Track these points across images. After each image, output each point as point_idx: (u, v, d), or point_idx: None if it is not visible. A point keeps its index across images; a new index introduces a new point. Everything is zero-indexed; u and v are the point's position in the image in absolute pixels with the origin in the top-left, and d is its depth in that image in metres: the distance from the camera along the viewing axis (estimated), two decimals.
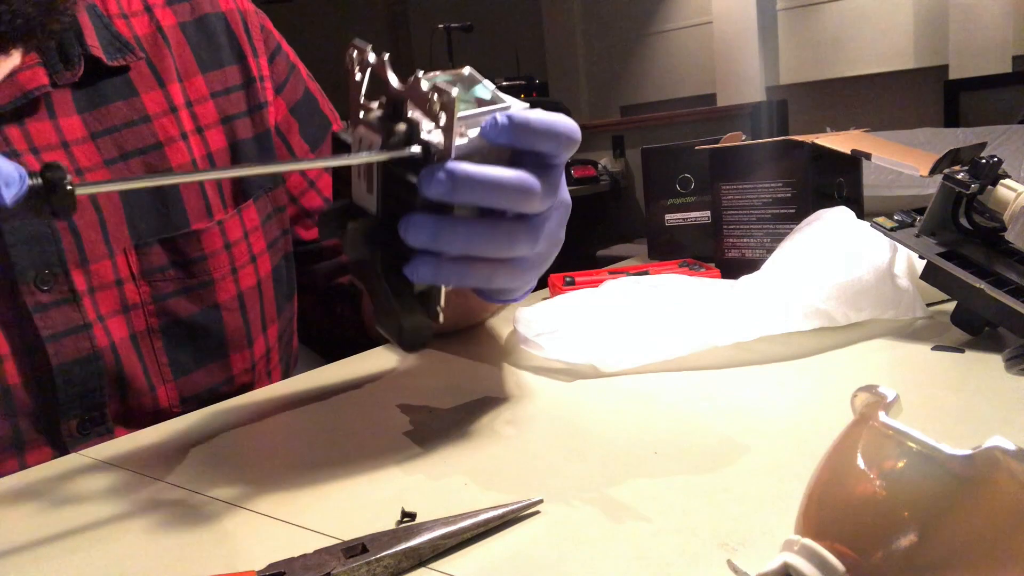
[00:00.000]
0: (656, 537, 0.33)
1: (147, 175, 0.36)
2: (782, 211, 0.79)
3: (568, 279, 0.77)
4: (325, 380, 0.60)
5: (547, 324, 0.59)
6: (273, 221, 0.68)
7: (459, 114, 0.41)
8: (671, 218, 0.97)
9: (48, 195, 0.32)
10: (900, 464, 0.25)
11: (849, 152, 0.75)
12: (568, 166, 3.53)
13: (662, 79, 4.08)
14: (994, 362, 0.49)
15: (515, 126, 0.41)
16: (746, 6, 3.60)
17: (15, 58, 0.55)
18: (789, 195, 0.78)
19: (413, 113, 0.42)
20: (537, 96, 3.44)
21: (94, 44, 0.58)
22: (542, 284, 0.83)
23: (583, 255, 3.35)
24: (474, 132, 0.42)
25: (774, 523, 0.33)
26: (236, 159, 0.65)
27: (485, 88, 0.46)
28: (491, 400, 0.52)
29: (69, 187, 0.32)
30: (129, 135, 0.59)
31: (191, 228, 0.61)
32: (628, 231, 3.66)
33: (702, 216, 0.95)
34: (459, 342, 0.66)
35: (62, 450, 0.55)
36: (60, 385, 0.54)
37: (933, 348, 0.55)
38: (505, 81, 3.41)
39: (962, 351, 0.53)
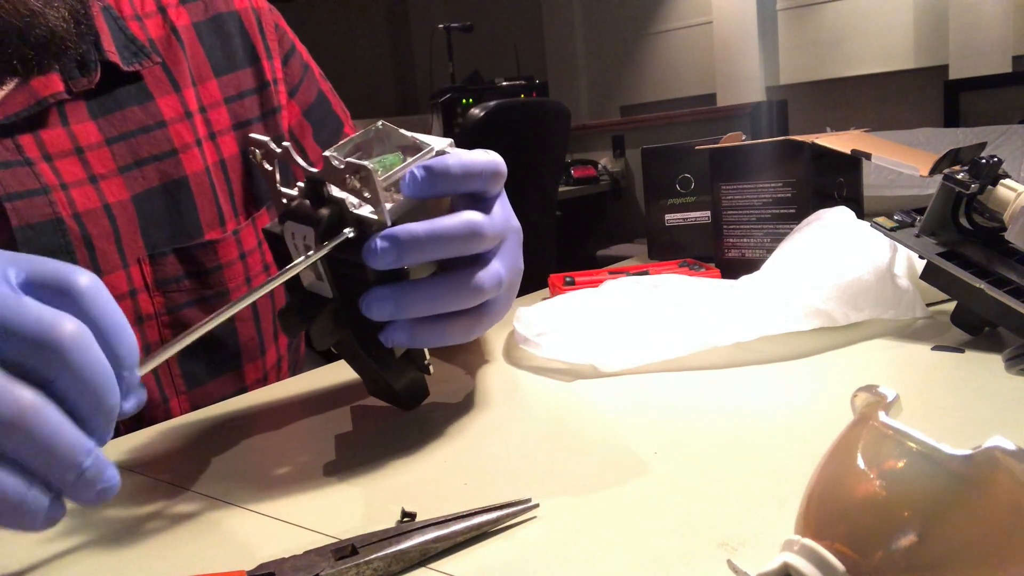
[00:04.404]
0: (656, 537, 0.33)
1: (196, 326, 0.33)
2: (782, 211, 0.79)
3: (568, 279, 0.77)
4: (324, 380, 0.60)
5: (547, 324, 0.59)
6: None
7: (380, 179, 0.40)
8: (671, 218, 0.97)
9: None
10: (900, 464, 0.25)
11: (849, 152, 0.75)
12: (568, 166, 3.53)
13: (662, 79, 4.07)
14: (994, 362, 0.49)
15: (433, 176, 0.40)
16: (746, 6, 3.60)
17: None
18: (789, 195, 0.78)
19: (336, 191, 0.41)
20: (537, 96, 3.43)
21: (111, 50, 0.57)
22: (542, 284, 0.83)
23: (583, 255, 3.36)
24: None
25: (774, 523, 0.33)
26: (248, 164, 0.65)
27: (403, 135, 0.45)
28: (490, 400, 0.52)
29: None
30: (144, 141, 0.58)
31: (204, 238, 0.60)
32: (628, 231, 3.66)
33: (702, 216, 0.95)
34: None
35: None
36: None
37: (933, 348, 0.55)
38: (505, 81, 3.40)
39: (962, 351, 0.53)
